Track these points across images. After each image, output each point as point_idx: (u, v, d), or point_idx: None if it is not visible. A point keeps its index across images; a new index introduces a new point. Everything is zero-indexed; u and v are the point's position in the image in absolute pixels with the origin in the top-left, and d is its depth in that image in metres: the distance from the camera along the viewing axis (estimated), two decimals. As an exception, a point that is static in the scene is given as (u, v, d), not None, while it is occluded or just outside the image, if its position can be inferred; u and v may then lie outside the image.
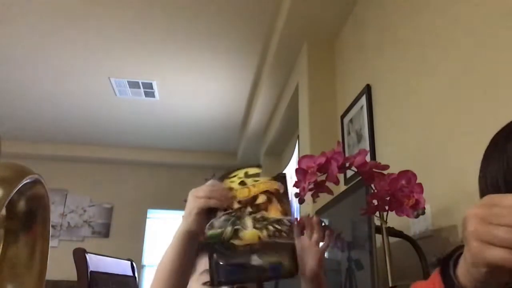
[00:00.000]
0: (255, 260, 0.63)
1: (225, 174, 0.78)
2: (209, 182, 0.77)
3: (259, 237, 0.65)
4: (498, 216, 0.38)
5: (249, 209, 0.69)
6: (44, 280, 0.47)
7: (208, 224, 0.68)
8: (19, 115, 4.62)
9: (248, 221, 0.67)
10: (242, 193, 0.72)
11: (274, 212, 0.68)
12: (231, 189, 0.74)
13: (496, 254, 0.37)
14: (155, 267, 0.78)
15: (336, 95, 2.60)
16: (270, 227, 0.66)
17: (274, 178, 0.74)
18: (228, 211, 0.69)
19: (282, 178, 0.74)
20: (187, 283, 0.79)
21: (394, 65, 1.85)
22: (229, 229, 0.66)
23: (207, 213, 0.72)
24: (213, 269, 0.64)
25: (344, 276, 1.40)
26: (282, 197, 0.71)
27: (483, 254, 0.38)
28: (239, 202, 0.71)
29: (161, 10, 2.86)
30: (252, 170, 0.77)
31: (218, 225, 0.67)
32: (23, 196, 0.45)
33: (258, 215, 0.68)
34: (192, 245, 0.78)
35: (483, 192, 0.63)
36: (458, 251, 0.47)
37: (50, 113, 4.57)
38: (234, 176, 0.76)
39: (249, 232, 0.66)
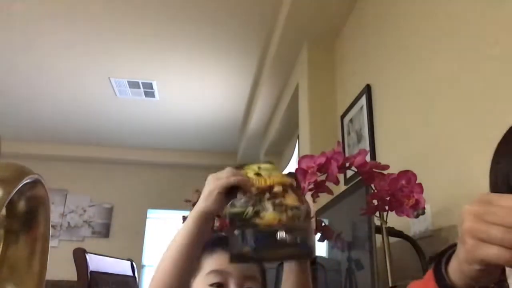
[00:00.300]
0: (282, 235, 0.64)
1: (238, 166, 0.80)
2: (227, 169, 0.77)
3: (279, 220, 0.67)
4: (494, 215, 0.38)
5: (267, 195, 0.71)
6: (44, 280, 0.47)
7: (229, 204, 0.69)
8: (19, 115, 4.62)
9: (268, 205, 0.69)
10: (259, 182, 0.74)
11: (291, 200, 0.71)
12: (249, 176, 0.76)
13: (490, 252, 0.37)
14: (156, 264, 0.77)
15: (336, 95, 2.60)
16: (289, 212, 0.68)
17: (285, 175, 0.78)
18: (248, 195, 0.71)
19: (293, 175, 0.79)
20: (192, 270, 0.78)
21: (394, 65, 1.85)
22: (250, 208, 0.68)
23: (227, 196, 0.74)
24: (236, 243, 0.65)
25: (344, 276, 1.40)
26: (296, 189, 0.75)
27: (477, 251, 0.38)
28: (257, 189, 0.73)
29: (161, 10, 2.86)
30: (265, 165, 0.80)
31: (240, 205, 0.69)
32: (23, 196, 0.45)
33: (277, 201, 0.70)
34: (207, 227, 0.77)
35: (493, 188, 0.64)
36: (451, 249, 0.47)
37: (50, 113, 4.57)
38: (248, 168, 0.79)
39: (269, 213, 0.67)
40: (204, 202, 0.75)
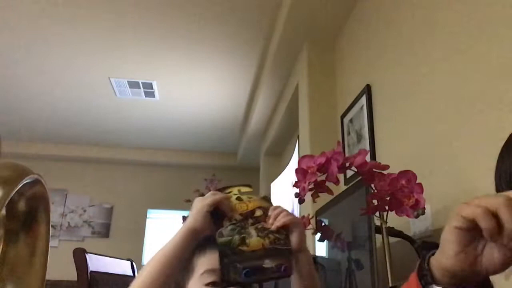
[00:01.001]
0: (267, 263, 0.73)
1: (220, 190, 0.88)
2: (210, 192, 0.85)
3: (263, 244, 0.75)
4: (477, 199, 0.43)
5: (250, 220, 0.80)
6: (44, 280, 0.47)
7: (217, 233, 0.76)
8: (19, 115, 4.62)
9: (252, 230, 0.77)
10: (241, 207, 0.82)
11: (271, 224, 0.80)
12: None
13: (469, 209, 0.43)
14: (139, 273, 0.80)
15: (336, 95, 2.60)
16: (271, 236, 0.77)
17: (261, 198, 0.87)
18: (233, 222, 0.79)
19: (269, 199, 0.88)
20: (172, 282, 0.81)
21: (394, 65, 1.85)
22: (236, 237, 0.75)
23: (213, 216, 0.81)
24: (227, 271, 0.73)
25: (344, 276, 1.40)
26: None
27: (456, 217, 0.43)
28: (241, 214, 0.81)
29: (161, 10, 2.86)
30: (244, 189, 0.88)
31: (227, 234, 0.76)
32: (23, 196, 0.45)
33: (259, 226, 0.78)
34: (193, 243, 0.81)
35: (497, 188, 0.66)
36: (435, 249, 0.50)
37: (50, 113, 4.57)
38: (229, 192, 0.87)
39: (254, 239, 0.76)
40: (193, 219, 0.80)
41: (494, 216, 0.41)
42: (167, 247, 0.79)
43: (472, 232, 0.43)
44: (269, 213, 0.81)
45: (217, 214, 0.81)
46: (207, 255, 0.89)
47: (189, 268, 0.89)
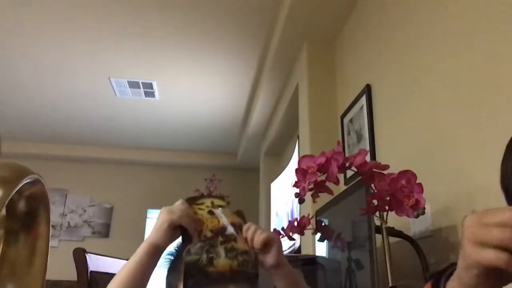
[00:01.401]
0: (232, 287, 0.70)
1: (192, 199, 0.85)
2: (179, 202, 0.82)
3: (231, 266, 0.72)
4: (492, 216, 0.39)
5: (220, 238, 0.76)
6: (44, 280, 0.47)
7: (185, 250, 0.73)
8: (19, 115, 4.62)
9: (221, 250, 0.74)
10: (212, 223, 0.79)
11: (241, 244, 0.76)
12: (201, 216, 0.81)
13: (489, 255, 0.38)
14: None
15: (336, 95, 2.60)
16: (240, 258, 0.73)
17: (235, 213, 0.84)
18: (202, 239, 0.76)
19: (241, 214, 0.84)
20: None
21: (394, 65, 1.85)
22: (204, 256, 0.72)
23: (180, 235, 0.79)
24: None
25: (344, 276, 1.40)
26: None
27: (477, 255, 0.39)
28: (211, 231, 0.78)
29: (161, 10, 2.86)
30: (217, 201, 0.85)
31: (195, 252, 0.72)
32: (23, 196, 0.45)
33: (229, 245, 0.75)
34: (155, 259, 0.79)
35: (503, 188, 0.65)
36: (451, 268, 0.48)
37: (50, 113, 4.57)
38: (202, 203, 0.84)
39: (222, 260, 0.72)
40: (154, 234, 0.79)
41: None
42: (130, 264, 0.78)
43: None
44: (243, 233, 0.78)
45: (185, 233, 0.78)
46: None
47: (180, 269, 0.89)
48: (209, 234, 0.77)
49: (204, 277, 0.70)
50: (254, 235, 0.77)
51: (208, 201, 0.84)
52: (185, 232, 0.78)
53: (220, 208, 0.83)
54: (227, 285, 0.70)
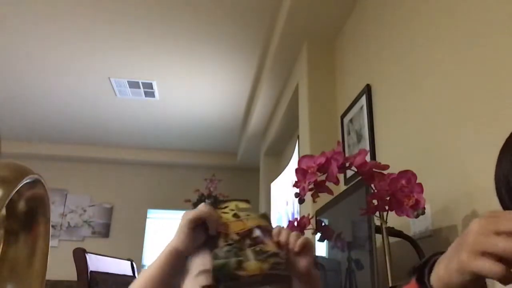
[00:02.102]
0: None
1: (216, 203, 0.82)
2: (201, 205, 0.78)
3: (261, 269, 0.68)
4: (500, 223, 0.39)
5: (248, 241, 0.73)
6: (44, 280, 0.47)
7: (212, 254, 0.70)
8: (19, 115, 4.63)
9: (250, 253, 0.70)
10: (238, 226, 0.76)
11: (270, 246, 0.73)
12: (226, 220, 0.78)
13: (484, 264, 0.39)
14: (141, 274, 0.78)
15: (336, 95, 2.60)
16: (270, 260, 0.69)
17: (260, 216, 0.80)
18: (229, 242, 0.73)
19: (267, 217, 0.81)
20: None
21: (394, 65, 1.85)
22: (233, 260, 0.69)
23: (203, 237, 0.76)
24: None
25: (344, 276, 1.40)
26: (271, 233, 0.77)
27: (472, 263, 0.39)
28: (237, 234, 0.74)
29: (161, 10, 2.86)
30: (242, 204, 0.82)
31: (222, 256, 0.70)
32: (23, 196, 0.45)
33: (257, 248, 0.71)
34: (177, 263, 0.76)
35: (498, 193, 0.66)
36: (432, 258, 0.48)
37: (50, 113, 4.57)
38: (226, 207, 0.81)
39: (252, 263, 0.69)
40: (175, 237, 0.76)
41: None
42: (152, 268, 0.76)
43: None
44: (274, 237, 0.74)
45: (204, 230, 0.75)
46: (201, 256, 0.88)
47: (185, 269, 0.88)
48: (235, 237, 0.74)
49: (234, 281, 0.67)
50: (289, 237, 0.74)
51: (232, 204, 0.81)
52: (209, 236, 0.75)
53: (244, 211, 0.80)
54: (260, 287, 0.67)
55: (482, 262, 0.39)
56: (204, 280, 0.84)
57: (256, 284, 0.67)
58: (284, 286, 0.69)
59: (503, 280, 0.38)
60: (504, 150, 0.69)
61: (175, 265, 0.76)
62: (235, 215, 0.78)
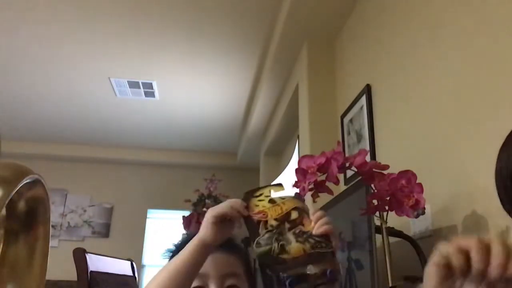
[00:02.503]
0: (310, 269, 0.69)
1: (250, 193, 0.83)
2: (228, 200, 0.80)
3: (304, 250, 0.71)
4: (457, 240, 0.48)
5: (287, 225, 0.74)
6: (44, 280, 0.47)
7: (255, 243, 0.72)
8: (19, 115, 4.62)
9: (290, 236, 0.73)
10: (276, 211, 0.77)
11: (309, 226, 0.74)
12: (263, 207, 0.79)
13: (445, 248, 0.48)
14: (156, 267, 0.78)
15: (336, 95, 2.60)
16: (311, 240, 0.72)
17: (294, 197, 0.82)
18: (269, 229, 0.74)
19: (300, 197, 0.83)
20: None
21: (394, 65, 1.85)
22: (275, 245, 0.71)
23: (248, 225, 0.77)
24: (270, 283, 0.70)
25: (344, 276, 1.40)
26: (309, 212, 0.78)
27: (438, 250, 0.49)
28: (276, 219, 0.76)
29: (161, 11, 2.86)
30: (276, 188, 0.83)
31: (264, 243, 0.72)
32: (23, 196, 0.45)
33: (297, 230, 0.73)
34: (204, 255, 0.78)
35: (497, 186, 0.71)
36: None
37: (50, 113, 4.57)
38: (261, 194, 0.82)
39: (294, 246, 0.71)
40: (202, 230, 0.78)
41: (466, 255, 0.46)
42: (179, 260, 0.76)
43: (448, 269, 0.47)
44: (310, 217, 0.76)
45: (249, 221, 0.77)
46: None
47: None
48: (274, 223, 0.75)
49: (280, 264, 0.69)
50: (319, 220, 0.75)
51: (266, 191, 0.82)
52: (250, 225, 0.76)
53: (279, 195, 0.81)
54: (306, 266, 0.69)
55: (443, 249, 0.48)
56: (194, 282, 0.85)
57: (302, 265, 0.69)
58: (328, 262, 0.70)
59: (460, 269, 0.46)
60: (505, 144, 0.73)
61: (202, 258, 0.77)
62: (270, 201, 0.79)
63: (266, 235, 0.73)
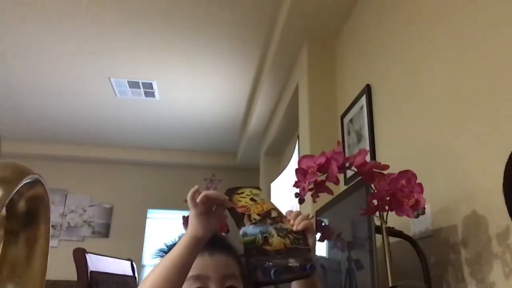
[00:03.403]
0: (292, 262, 0.74)
1: (233, 189, 0.88)
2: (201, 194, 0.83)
3: (285, 244, 0.77)
4: None
5: (268, 220, 0.81)
6: (44, 280, 0.47)
7: (241, 232, 0.77)
8: (19, 115, 4.62)
9: (272, 230, 0.78)
10: (257, 208, 0.83)
11: (287, 224, 0.82)
12: (245, 203, 0.85)
13: None
14: (144, 280, 0.78)
15: (336, 95, 2.60)
16: (291, 236, 0.78)
17: (271, 201, 0.88)
18: (253, 221, 0.80)
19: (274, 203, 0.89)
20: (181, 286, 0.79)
21: (394, 65, 1.85)
22: (259, 236, 0.76)
23: (233, 216, 0.82)
24: (253, 271, 0.73)
25: (344, 276, 1.40)
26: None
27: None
28: (258, 215, 0.81)
29: (161, 10, 2.86)
30: (254, 191, 0.89)
31: (250, 233, 0.77)
32: (23, 196, 0.45)
33: (278, 226, 0.80)
34: (197, 250, 0.79)
35: (504, 194, 0.69)
36: None
37: (50, 113, 4.57)
38: (243, 192, 0.87)
39: (276, 239, 0.77)
40: (190, 226, 0.79)
41: None
42: (172, 257, 0.77)
43: None
44: (287, 216, 0.82)
45: (234, 213, 0.81)
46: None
47: None
48: (257, 217, 0.81)
49: (263, 255, 0.74)
50: (297, 217, 0.81)
51: (247, 190, 0.88)
52: (235, 216, 0.81)
53: (257, 197, 0.87)
54: (287, 259, 0.74)
55: None
56: (193, 284, 0.86)
57: (281, 257, 0.75)
58: (304, 258, 0.76)
59: None
60: None
61: (195, 252, 0.79)
62: (252, 199, 0.86)
63: (250, 227, 0.78)
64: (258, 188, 0.91)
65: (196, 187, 0.79)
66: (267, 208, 0.83)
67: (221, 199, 0.80)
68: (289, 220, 0.82)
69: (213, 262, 0.89)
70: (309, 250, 0.78)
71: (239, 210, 0.81)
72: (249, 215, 0.80)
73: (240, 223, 0.79)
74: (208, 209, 0.79)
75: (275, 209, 0.84)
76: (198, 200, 0.77)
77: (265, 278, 0.72)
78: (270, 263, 0.72)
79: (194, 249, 0.78)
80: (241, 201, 0.84)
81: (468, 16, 1.32)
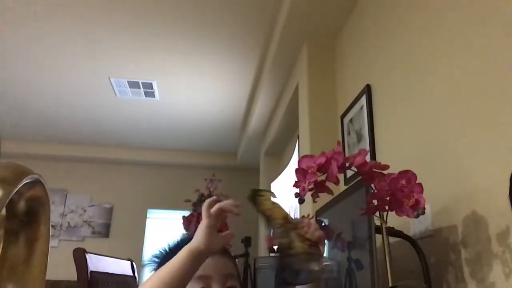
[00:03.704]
0: (313, 266, 0.79)
1: (256, 191, 0.90)
2: (212, 205, 0.86)
3: (304, 249, 0.81)
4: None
5: (288, 225, 0.84)
6: (44, 280, 0.47)
7: (275, 234, 0.82)
8: (19, 115, 4.62)
9: (293, 235, 0.82)
10: (279, 213, 0.86)
11: (302, 230, 0.84)
12: (270, 206, 0.87)
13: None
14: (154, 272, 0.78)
15: (336, 95, 2.60)
16: (307, 242, 0.82)
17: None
18: (277, 226, 0.83)
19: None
20: None
21: (394, 65, 1.85)
22: (285, 240, 0.81)
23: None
24: (283, 271, 0.79)
25: (344, 276, 1.40)
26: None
27: None
28: (281, 219, 0.85)
29: (161, 10, 2.86)
30: (272, 195, 0.91)
31: (280, 236, 0.82)
32: (23, 196, 0.45)
33: (296, 232, 0.83)
34: (198, 263, 0.78)
35: (510, 198, 0.72)
36: None
37: (50, 113, 4.57)
38: (264, 195, 0.89)
39: (297, 244, 0.81)
40: (196, 236, 0.80)
41: None
42: (171, 268, 0.76)
43: None
44: (300, 223, 0.85)
45: (262, 214, 0.85)
46: None
47: None
48: (280, 221, 0.84)
49: (291, 258, 0.80)
50: (310, 227, 0.84)
51: (267, 194, 0.90)
52: (264, 217, 0.85)
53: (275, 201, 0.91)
54: (310, 263, 0.80)
55: None
56: (196, 285, 0.86)
57: (301, 261, 0.80)
58: (318, 263, 0.81)
59: None
60: None
61: (196, 265, 0.78)
62: (273, 203, 0.88)
63: (279, 230, 0.82)
64: (273, 193, 0.93)
65: (214, 197, 0.82)
66: (285, 214, 0.86)
67: (233, 211, 0.82)
68: (303, 227, 0.84)
69: (213, 263, 0.90)
70: (321, 256, 0.83)
71: (267, 213, 0.84)
72: (275, 219, 0.84)
73: (269, 225, 0.84)
74: (217, 223, 0.81)
75: (289, 215, 0.87)
76: (212, 211, 0.79)
77: (292, 280, 0.77)
78: (297, 266, 0.78)
79: (197, 262, 0.78)
80: (264, 204, 0.87)
81: (468, 16, 1.32)
